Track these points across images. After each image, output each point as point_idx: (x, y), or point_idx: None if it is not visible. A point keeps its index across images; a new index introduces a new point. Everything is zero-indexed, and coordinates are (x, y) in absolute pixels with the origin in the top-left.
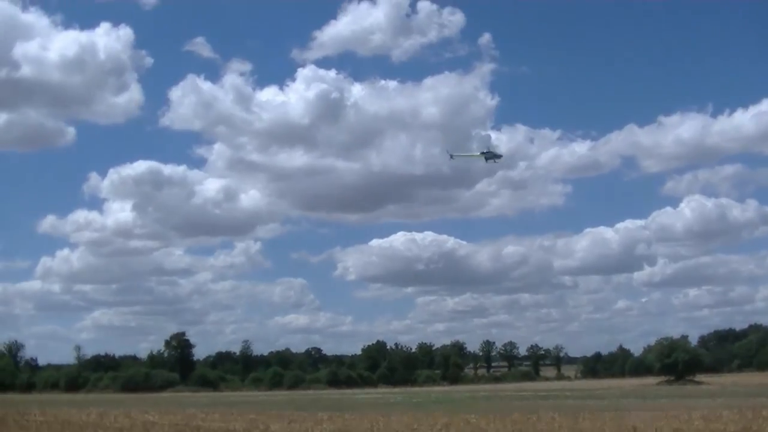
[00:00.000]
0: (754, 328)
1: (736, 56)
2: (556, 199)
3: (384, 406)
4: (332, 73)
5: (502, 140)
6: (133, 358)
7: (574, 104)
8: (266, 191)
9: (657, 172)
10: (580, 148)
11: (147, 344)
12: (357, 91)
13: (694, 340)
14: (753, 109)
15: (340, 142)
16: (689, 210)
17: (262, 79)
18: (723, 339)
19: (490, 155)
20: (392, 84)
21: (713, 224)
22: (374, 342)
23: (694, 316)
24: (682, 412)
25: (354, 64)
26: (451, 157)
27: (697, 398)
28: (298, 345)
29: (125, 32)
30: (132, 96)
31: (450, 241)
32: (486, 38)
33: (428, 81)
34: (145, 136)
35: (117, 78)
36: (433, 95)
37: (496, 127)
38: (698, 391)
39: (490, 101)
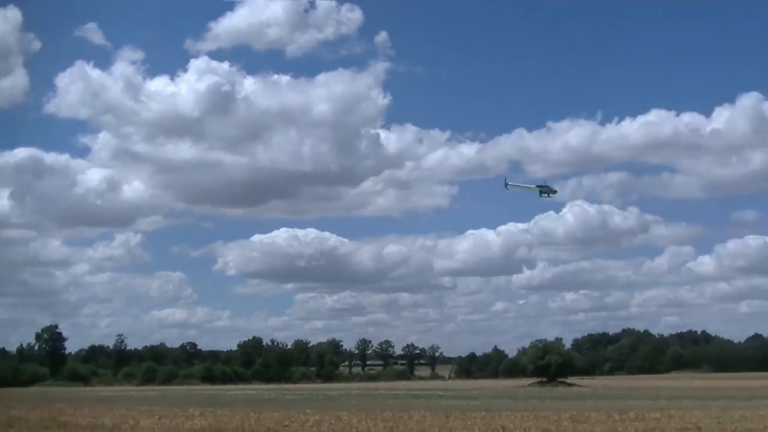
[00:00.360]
0: (627, 332)
1: (626, 66)
2: (441, 200)
3: (257, 403)
4: (225, 66)
5: (391, 139)
6: (2, 352)
7: (464, 106)
8: (150, 183)
9: (543, 177)
10: (468, 150)
11: (17, 337)
12: (249, 84)
13: (568, 343)
14: (641, 119)
15: (229, 136)
16: (572, 215)
17: (153, 69)
18: (596, 343)
19: (546, 189)
20: (285, 79)
21: (594, 230)
22: (250, 338)
23: (569, 319)
24: (551, 414)
25: (248, 57)
26: (507, 185)
27: (567, 400)
28: (174, 340)
29: (13, 13)
30: (16, 81)
31: (332, 239)
32: (382, 37)
33: (321, 77)
34: (27, 122)
35: (1, 61)
36: (325, 92)
37: (386, 126)
38: (569, 393)
39: (382, 100)
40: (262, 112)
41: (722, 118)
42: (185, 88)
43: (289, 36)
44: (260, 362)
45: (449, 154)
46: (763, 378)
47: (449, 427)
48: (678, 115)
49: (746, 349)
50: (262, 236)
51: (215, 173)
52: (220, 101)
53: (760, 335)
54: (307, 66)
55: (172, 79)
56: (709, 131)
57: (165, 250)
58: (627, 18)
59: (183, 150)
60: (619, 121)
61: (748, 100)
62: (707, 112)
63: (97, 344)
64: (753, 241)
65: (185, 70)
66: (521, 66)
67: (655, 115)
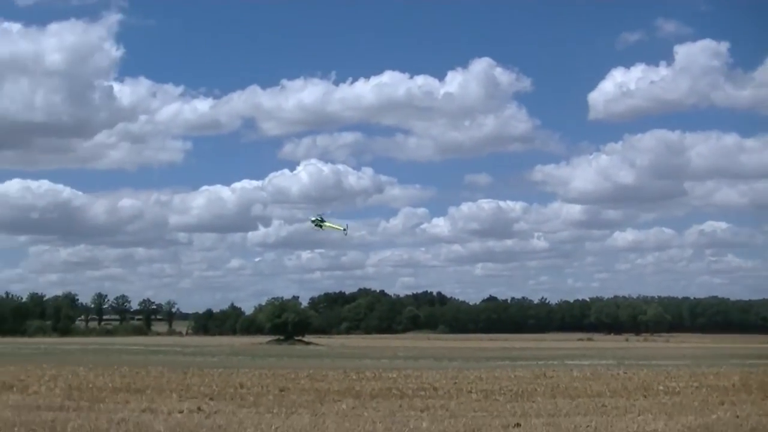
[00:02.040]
0: (363, 292)
1: (361, 26)
2: (176, 155)
3: None
4: None
5: (124, 92)
6: None
7: (199, 61)
8: None
9: (277, 135)
10: (202, 106)
11: None
12: None
13: (304, 302)
14: (374, 80)
15: None
16: (306, 174)
17: None
18: (333, 302)
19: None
20: (16, 27)
21: (329, 189)
22: None
23: (305, 278)
24: (289, 372)
25: None
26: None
27: (305, 358)
28: None
29: None
30: None
31: (66, 191)
32: None
33: (53, 27)
34: None
35: None
36: (57, 42)
37: (119, 79)
38: (307, 351)
39: (116, 52)
40: None
41: (455, 81)
42: None
43: None
44: None
45: (183, 109)
46: (496, 339)
47: (187, 383)
48: (411, 77)
49: (481, 310)
50: None
51: None
52: None
53: (495, 297)
54: (38, 14)
55: None
56: (442, 94)
57: None
58: None
59: None
60: (353, 82)
61: (480, 65)
62: (440, 76)
63: None
64: (486, 204)
65: None
66: (256, 22)
67: (388, 77)
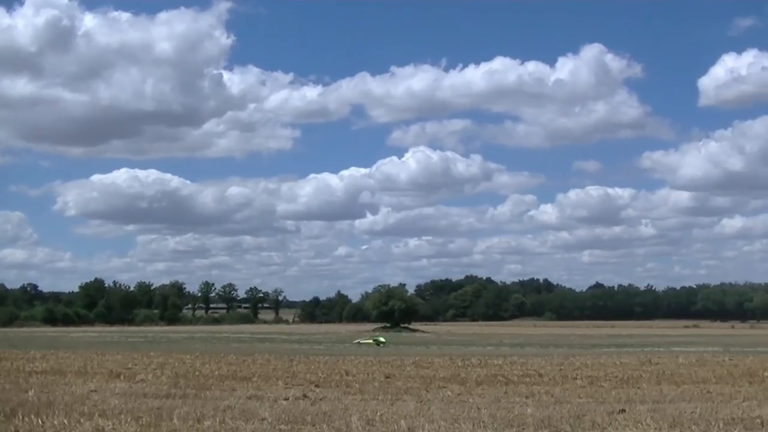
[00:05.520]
0: (470, 279)
1: (471, 12)
2: (284, 142)
3: (100, 345)
4: (64, 0)
5: (234, 80)
6: None
7: (308, 48)
8: None
9: (385, 122)
10: (311, 93)
11: None
12: (89, 20)
13: (411, 289)
14: (484, 66)
15: (68, 73)
16: (414, 161)
17: None
18: (440, 289)
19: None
20: (125, 16)
21: (437, 177)
22: (92, 279)
23: (412, 265)
24: (395, 359)
25: None
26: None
27: (411, 345)
28: (14, 281)
29: None
30: None
31: (174, 180)
32: None
33: (163, 15)
34: None
35: None
36: (167, 30)
37: (229, 68)
38: (413, 338)
39: (225, 40)
40: (103, 49)
41: (566, 68)
42: (22, 22)
43: None
44: (103, 304)
45: (292, 96)
46: (603, 326)
47: (293, 370)
48: (522, 63)
49: (587, 297)
50: (102, 176)
51: (54, 111)
52: (59, 37)
53: (601, 284)
54: (148, 3)
55: (7, 11)
56: (552, 81)
57: (2, 189)
58: None
59: (20, 86)
60: (463, 68)
61: (591, 51)
62: (551, 62)
63: None
64: (594, 191)
65: (21, 3)
66: (366, 9)
67: (499, 63)
